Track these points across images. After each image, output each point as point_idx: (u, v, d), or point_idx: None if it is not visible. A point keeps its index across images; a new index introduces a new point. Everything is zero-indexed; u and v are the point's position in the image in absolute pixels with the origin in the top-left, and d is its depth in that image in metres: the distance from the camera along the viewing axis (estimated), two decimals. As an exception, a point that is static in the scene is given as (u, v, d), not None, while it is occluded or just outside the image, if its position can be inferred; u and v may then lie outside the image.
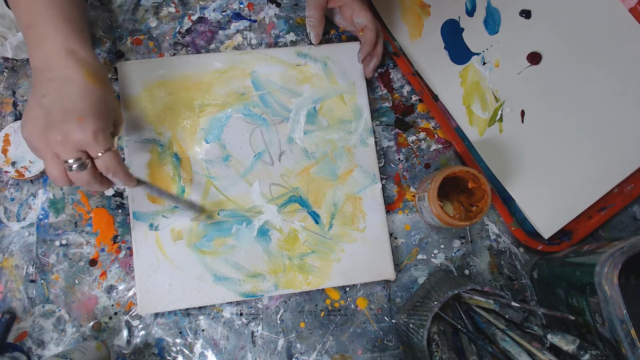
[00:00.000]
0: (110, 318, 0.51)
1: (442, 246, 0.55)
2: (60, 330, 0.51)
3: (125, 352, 0.51)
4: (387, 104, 0.58)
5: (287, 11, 0.59)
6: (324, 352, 0.52)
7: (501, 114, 0.57)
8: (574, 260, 0.48)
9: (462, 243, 0.56)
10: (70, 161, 0.38)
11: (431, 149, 0.58)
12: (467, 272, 0.55)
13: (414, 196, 0.56)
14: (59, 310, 0.51)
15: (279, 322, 0.53)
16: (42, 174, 0.53)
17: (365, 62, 0.56)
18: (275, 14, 0.59)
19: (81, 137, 0.38)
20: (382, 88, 0.58)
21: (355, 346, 0.52)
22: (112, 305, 0.52)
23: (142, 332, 0.51)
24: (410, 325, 0.47)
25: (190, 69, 0.54)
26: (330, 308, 0.53)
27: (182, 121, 0.53)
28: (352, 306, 0.53)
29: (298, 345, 0.52)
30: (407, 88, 0.59)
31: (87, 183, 0.40)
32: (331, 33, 0.59)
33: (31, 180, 0.53)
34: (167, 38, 0.57)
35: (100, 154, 0.39)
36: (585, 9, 0.58)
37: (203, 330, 0.52)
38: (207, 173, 0.53)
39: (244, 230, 0.52)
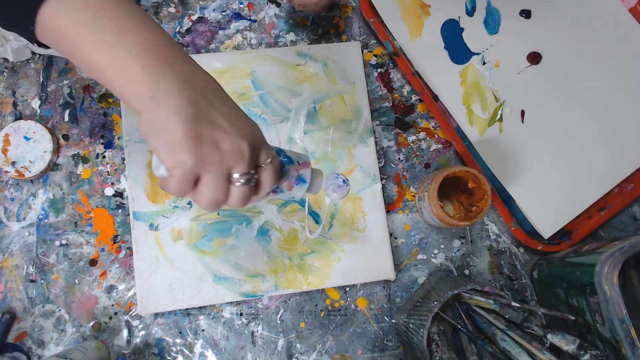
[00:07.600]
0: (110, 318, 0.51)
1: (442, 246, 0.55)
2: (60, 330, 0.51)
3: (125, 352, 0.51)
4: (387, 104, 0.58)
5: (287, 11, 0.59)
6: (324, 352, 0.52)
7: (501, 114, 0.57)
8: (574, 260, 0.48)
9: (462, 243, 0.56)
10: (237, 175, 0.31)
11: (431, 149, 0.58)
12: (467, 272, 0.55)
13: (414, 196, 0.56)
14: (59, 310, 0.51)
15: (279, 322, 0.53)
16: (42, 173, 0.53)
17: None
18: (275, 14, 0.59)
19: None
20: (382, 88, 0.58)
21: (355, 346, 0.52)
22: (112, 305, 0.52)
23: (142, 332, 0.51)
24: (410, 325, 0.47)
25: (190, 69, 0.54)
26: (330, 308, 0.53)
27: (182, 121, 0.53)
28: (352, 306, 0.53)
29: (298, 345, 0.52)
30: (407, 88, 0.58)
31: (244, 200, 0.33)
32: (331, 33, 0.59)
33: (31, 180, 0.53)
34: (167, 38, 0.57)
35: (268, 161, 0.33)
36: (585, 9, 0.58)
37: (203, 330, 0.52)
38: (207, 173, 0.53)
39: (243, 230, 0.52)
